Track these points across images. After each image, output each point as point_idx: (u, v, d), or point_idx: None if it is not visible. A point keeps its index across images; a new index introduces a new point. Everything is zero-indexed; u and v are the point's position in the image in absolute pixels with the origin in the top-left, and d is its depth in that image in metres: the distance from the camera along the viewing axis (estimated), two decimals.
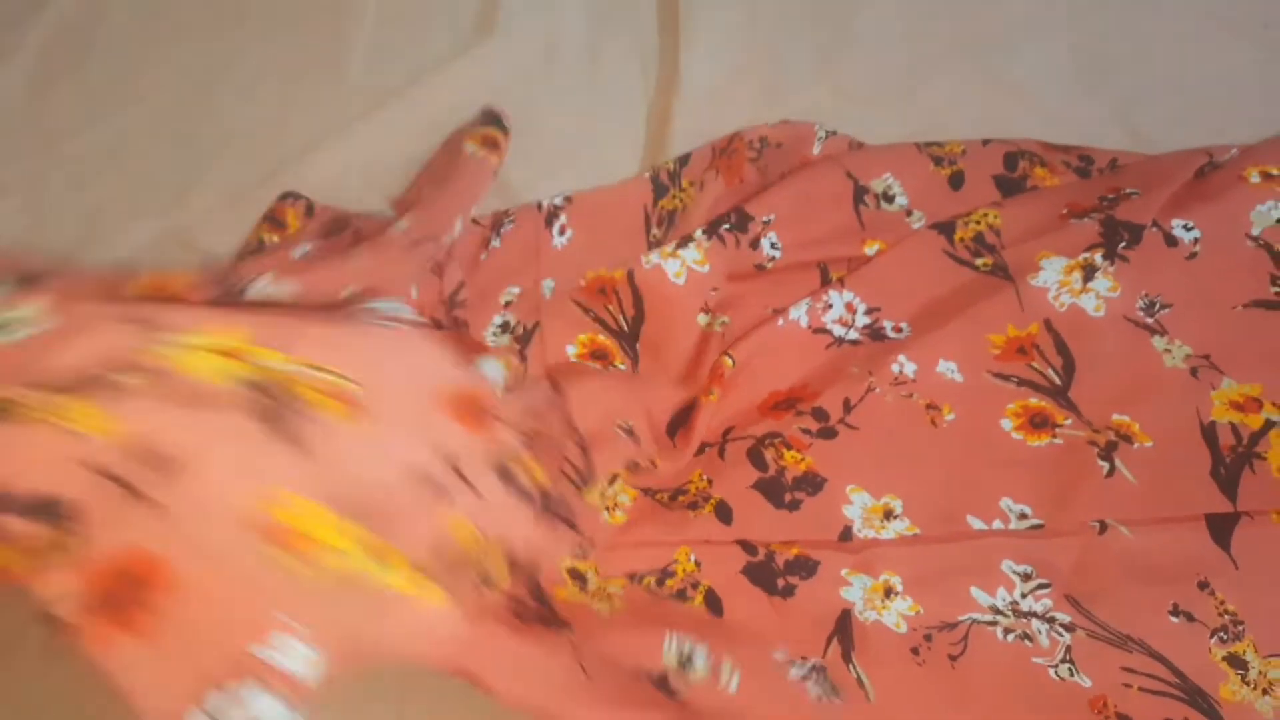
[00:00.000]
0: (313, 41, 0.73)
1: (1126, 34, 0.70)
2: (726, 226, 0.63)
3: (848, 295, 0.61)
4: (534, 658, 0.44)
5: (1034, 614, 0.49)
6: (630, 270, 0.62)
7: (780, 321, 0.60)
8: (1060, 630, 0.49)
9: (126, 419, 0.39)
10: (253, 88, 0.72)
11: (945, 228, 0.62)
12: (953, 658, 0.48)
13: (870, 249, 0.63)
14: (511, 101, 0.70)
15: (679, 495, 0.55)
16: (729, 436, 0.57)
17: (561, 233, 0.66)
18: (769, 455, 0.55)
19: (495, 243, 0.65)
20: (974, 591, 0.50)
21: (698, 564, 0.52)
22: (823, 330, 0.60)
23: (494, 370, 0.54)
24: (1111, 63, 0.69)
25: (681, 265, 0.62)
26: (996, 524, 0.52)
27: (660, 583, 0.52)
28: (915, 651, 0.49)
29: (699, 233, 0.63)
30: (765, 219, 0.63)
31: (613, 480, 0.55)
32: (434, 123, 0.68)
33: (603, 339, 0.62)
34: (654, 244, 0.66)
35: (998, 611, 0.49)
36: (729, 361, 0.58)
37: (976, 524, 0.52)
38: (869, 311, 0.61)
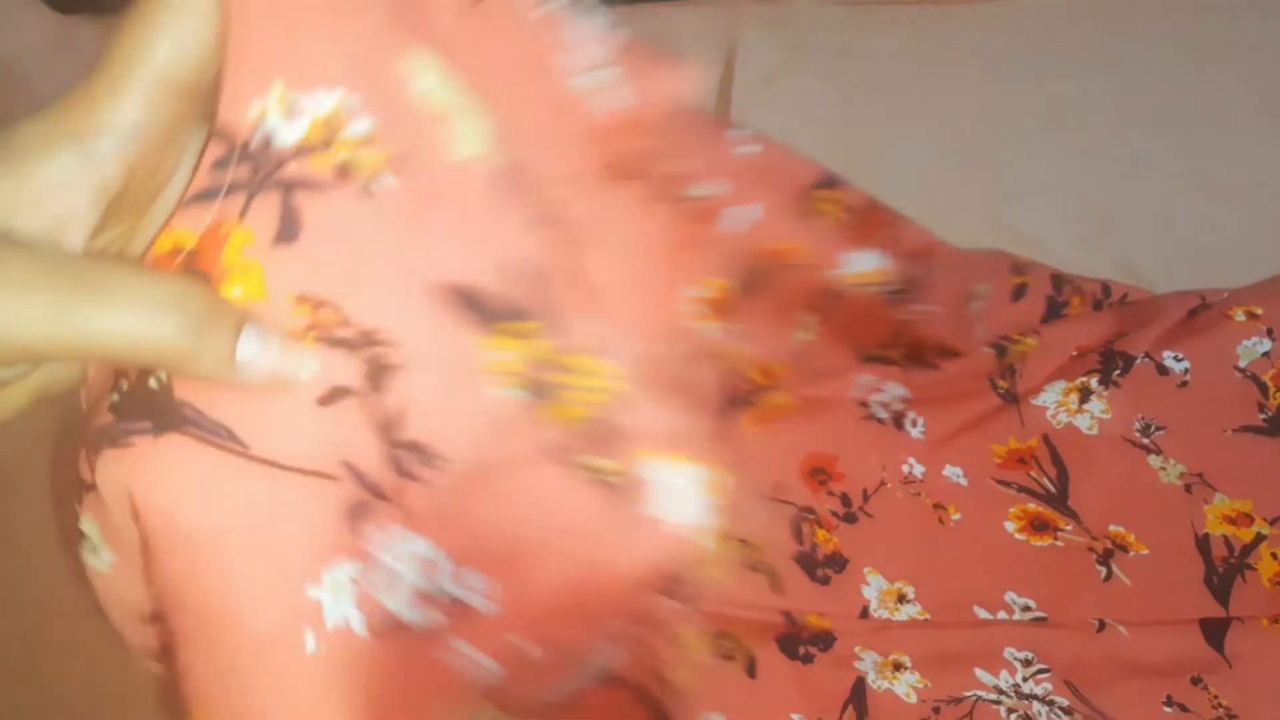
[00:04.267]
0: None
1: (1125, 195, 0.79)
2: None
3: (902, 389, 0.65)
4: None
5: (1035, 696, 0.54)
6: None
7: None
8: (1059, 713, 0.53)
9: None
10: None
11: (1000, 349, 0.66)
12: None
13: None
14: None
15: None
16: (777, 495, 0.64)
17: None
18: (805, 530, 0.62)
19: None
20: (978, 672, 0.55)
21: (746, 629, 0.59)
22: (865, 404, 0.66)
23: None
24: (1112, 219, 0.78)
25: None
26: (1001, 615, 0.58)
27: (714, 641, 0.58)
28: None
29: None
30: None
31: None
32: None
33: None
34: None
35: (1001, 692, 0.54)
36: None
37: (983, 614, 0.58)
38: (905, 400, 0.65)
